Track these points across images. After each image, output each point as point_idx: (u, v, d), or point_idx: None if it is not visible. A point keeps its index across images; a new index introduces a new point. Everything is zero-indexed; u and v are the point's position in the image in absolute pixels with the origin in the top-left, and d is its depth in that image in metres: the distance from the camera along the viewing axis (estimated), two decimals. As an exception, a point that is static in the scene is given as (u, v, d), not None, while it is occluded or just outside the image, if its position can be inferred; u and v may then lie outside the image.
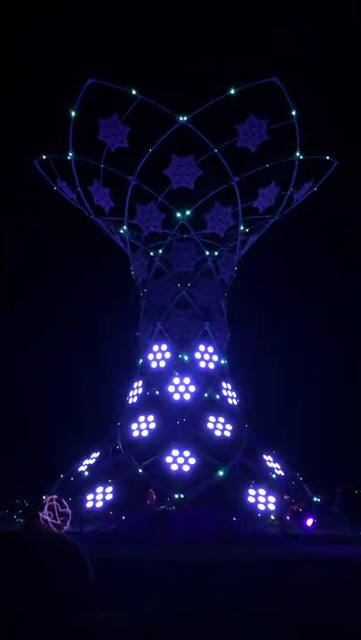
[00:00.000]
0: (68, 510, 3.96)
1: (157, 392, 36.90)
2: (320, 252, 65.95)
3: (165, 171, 36.05)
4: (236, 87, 34.13)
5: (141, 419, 35.82)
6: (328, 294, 63.26)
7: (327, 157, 38.00)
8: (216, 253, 39.18)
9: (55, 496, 3.91)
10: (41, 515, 3.76)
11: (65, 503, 3.96)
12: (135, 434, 35.47)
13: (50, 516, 3.77)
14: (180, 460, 33.32)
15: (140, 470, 33.67)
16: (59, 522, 3.77)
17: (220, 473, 33.25)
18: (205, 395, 36.61)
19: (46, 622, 3.44)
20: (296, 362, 61.56)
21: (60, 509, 3.80)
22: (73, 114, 34.95)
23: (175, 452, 33.52)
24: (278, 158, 36.72)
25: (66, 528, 3.89)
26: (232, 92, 34.00)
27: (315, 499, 34.43)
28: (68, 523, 3.93)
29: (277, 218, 39.44)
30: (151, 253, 38.92)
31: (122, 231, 38.87)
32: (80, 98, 34.39)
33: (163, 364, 37.93)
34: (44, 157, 36.74)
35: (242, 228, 38.63)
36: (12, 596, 3.47)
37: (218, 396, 37.25)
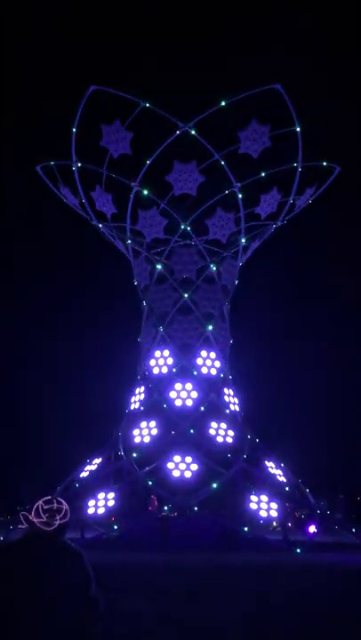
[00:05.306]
0: (59, 506, 3.82)
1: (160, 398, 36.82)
2: (322, 257, 66.07)
3: (168, 177, 36.09)
4: (238, 94, 34.17)
5: (143, 424, 35.75)
6: (330, 300, 63.35)
7: (324, 163, 37.93)
8: (218, 260, 39.16)
9: (44, 498, 3.80)
10: (31, 517, 3.70)
11: (58, 500, 3.84)
12: (137, 440, 35.40)
13: (37, 516, 3.70)
14: (181, 467, 33.23)
15: (144, 477, 33.55)
16: (44, 518, 3.68)
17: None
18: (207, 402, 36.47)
19: (48, 631, 3.42)
20: (298, 368, 61.56)
21: (45, 507, 3.72)
22: (75, 119, 35.04)
23: (177, 459, 33.43)
24: (280, 164, 36.72)
25: (58, 522, 3.74)
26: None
27: (318, 510, 34.21)
28: (60, 518, 3.77)
29: (280, 224, 39.42)
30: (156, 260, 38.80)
31: (128, 241, 38.82)
32: (83, 104, 34.47)
33: (165, 369, 37.87)
34: (49, 164, 36.80)
35: (243, 234, 38.60)
36: (14, 605, 3.46)
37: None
